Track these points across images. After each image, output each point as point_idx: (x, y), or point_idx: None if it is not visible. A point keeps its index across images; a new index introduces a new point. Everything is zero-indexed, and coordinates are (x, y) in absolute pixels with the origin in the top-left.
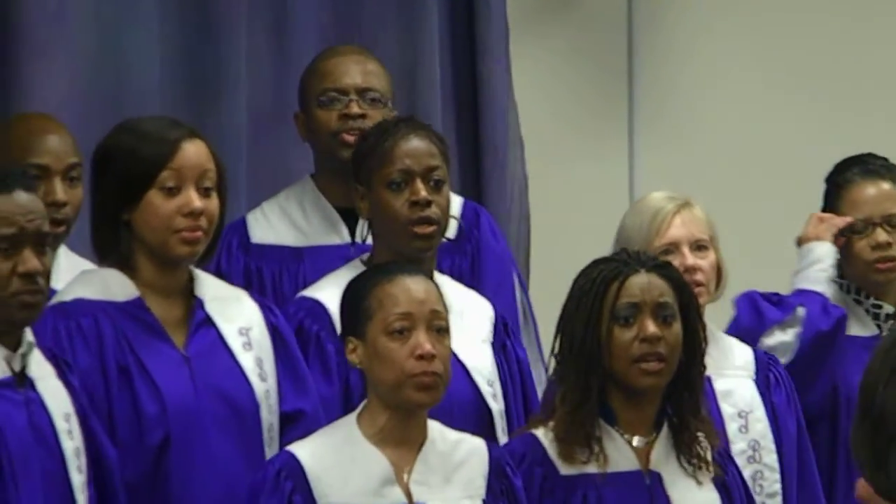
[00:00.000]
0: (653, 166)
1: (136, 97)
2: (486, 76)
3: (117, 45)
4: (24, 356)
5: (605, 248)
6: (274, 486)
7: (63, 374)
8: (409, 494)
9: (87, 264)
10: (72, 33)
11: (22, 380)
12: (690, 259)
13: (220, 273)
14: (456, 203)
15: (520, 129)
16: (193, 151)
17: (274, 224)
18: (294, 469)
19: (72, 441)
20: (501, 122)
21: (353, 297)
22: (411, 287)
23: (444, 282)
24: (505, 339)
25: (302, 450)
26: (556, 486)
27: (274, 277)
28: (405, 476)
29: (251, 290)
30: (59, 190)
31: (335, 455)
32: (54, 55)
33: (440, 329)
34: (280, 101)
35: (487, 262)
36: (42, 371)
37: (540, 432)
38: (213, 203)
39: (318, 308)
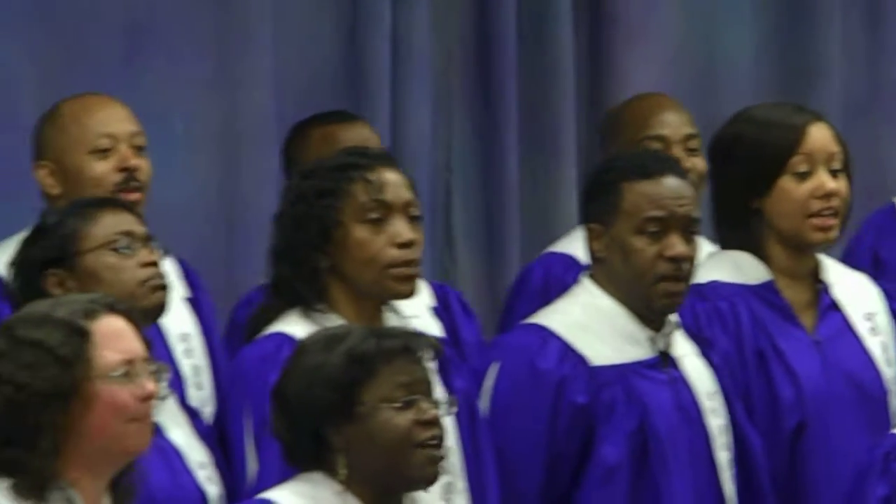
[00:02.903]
0: None
1: (727, 83)
2: None
3: (709, 31)
4: (668, 336)
5: None
6: (882, 468)
7: (705, 353)
8: None
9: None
10: (664, 20)
11: (665, 360)
12: None
13: (877, 260)
14: None
15: None
16: (821, 135)
17: None
18: None
19: (717, 419)
20: None
21: None
22: None
23: None
24: None
25: None
26: None
27: None
28: None
29: None
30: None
31: None
32: (647, 42)
33: None
34: (873, 87)
35: None
36: (684, 350)
37: None
38: (844, 184)
39: None
